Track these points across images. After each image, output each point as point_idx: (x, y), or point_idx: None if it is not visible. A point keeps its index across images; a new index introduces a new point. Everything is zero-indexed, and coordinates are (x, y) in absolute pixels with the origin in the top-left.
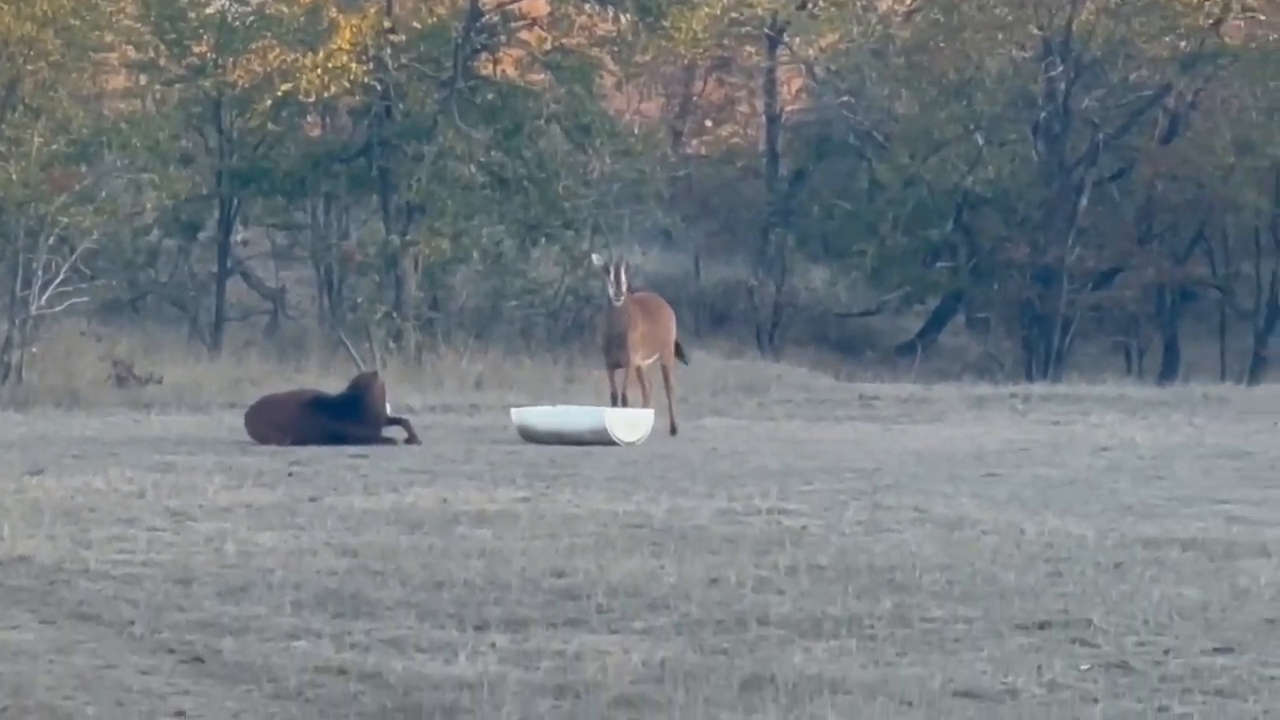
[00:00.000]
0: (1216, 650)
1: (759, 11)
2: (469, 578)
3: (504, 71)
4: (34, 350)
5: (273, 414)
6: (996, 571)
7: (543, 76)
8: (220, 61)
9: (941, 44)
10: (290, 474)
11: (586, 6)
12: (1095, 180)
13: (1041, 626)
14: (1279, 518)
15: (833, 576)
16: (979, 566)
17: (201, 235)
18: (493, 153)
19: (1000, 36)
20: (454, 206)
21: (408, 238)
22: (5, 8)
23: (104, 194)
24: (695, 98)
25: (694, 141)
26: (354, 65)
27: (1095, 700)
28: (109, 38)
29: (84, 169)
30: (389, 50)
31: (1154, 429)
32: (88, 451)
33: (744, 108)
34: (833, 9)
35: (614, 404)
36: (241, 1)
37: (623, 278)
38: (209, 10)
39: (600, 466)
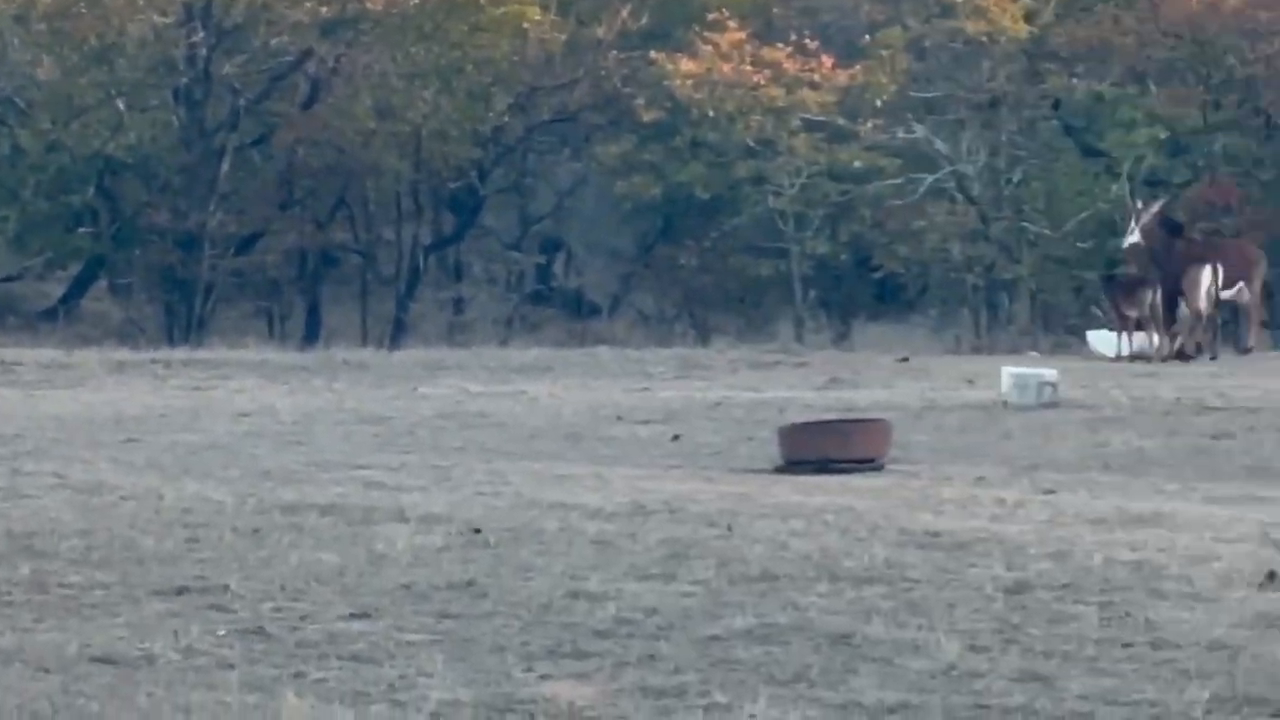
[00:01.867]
0: (353, 615)
1: None
2: None
3: None
4: None
5: None
6: (135, 537)
7: None
8: None
9: (84, 9)
10: None
11: None
12: (236, 145)
13: (179, 592)
14: (416, 483)
15: None
16: (117, 532)
17: None
18: None
19: (142, 2)
20: None
21: None
22: None
23: None
24: None
25: None
26: None
27: (232, 666)
28: None
29: None
30: None
31: (295, 394)
32: None
33: None
34: None
35: None
36: None
37: None
38: None
39: None
